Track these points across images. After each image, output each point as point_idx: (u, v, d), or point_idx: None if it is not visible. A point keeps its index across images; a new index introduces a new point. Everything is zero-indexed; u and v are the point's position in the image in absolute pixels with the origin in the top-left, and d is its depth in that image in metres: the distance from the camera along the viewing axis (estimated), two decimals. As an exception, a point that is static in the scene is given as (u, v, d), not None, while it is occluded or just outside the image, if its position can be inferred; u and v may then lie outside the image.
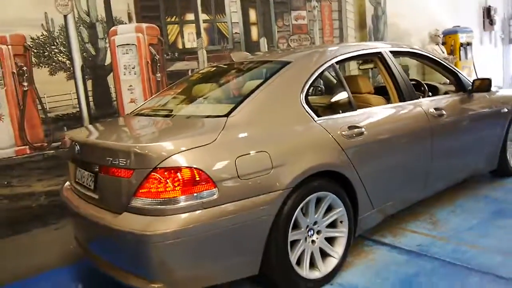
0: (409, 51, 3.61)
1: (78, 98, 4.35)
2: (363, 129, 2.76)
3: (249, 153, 2.24)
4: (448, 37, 7.91)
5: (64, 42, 4.26)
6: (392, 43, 3.57)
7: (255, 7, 5.65)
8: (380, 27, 7.15)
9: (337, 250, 2.65)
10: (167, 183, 2.05)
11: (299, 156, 2.41)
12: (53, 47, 4.20)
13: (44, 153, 4.19)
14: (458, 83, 3.81)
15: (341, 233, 2.67)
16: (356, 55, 3.14)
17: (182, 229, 2.03)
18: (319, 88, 3.62)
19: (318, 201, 2.54)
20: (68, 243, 3.43)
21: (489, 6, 9.14)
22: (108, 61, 4.54)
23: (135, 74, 4.69)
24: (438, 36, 7.72)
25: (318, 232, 2.58)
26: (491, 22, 9.22)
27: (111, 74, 4.56)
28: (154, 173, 2.06)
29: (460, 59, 7.86)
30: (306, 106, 2.59)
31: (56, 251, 3.48)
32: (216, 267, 2.20)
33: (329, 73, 2.94)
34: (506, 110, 4.03)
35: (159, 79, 4.85)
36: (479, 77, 3.85)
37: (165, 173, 2.05)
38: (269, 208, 2.26)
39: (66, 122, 4.28)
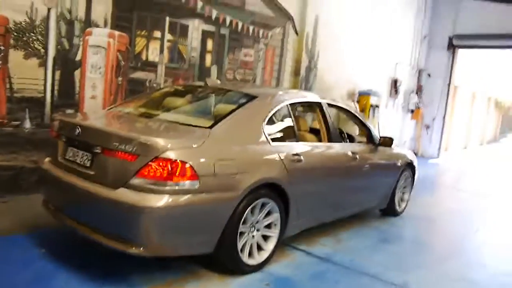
0: (341, 107, 4.61)
1: (45, 85, 4.68)
2: (302, 157, 3.60)
3: (224, 159, 2.95)
4: (362, 97, 9.33)
5: (43, 32, 4.60)
6: (330, 99, 4.50)
7: (213, 38, 6.40)
8: (310, 78, 8.29)
9: (269, 246, 3.40)
10: (163, 170, 2.67)
11: (257, 168, 3.17)
12: (32, 34, 4.53)
13: (3, 129, 4.43)
14: (369, 136, 4.87)
15: (274, 233, 3.44)
16: (305, 101, 4.05)
17: (168, 206, 2.66)
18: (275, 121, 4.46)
19: (262, 205, 3.29)
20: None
21: (397, 78, 10.90)
22: (78, 57, 4.93)
23: (100, 74, 5.13)
24: (355, 94, 9.10)
25: (258, 230, 3.32)
26: (396, 91, 10.97)
27: (79, 69, 4.96)
28: (155, 161, 2.67)
29: (368, 118, 9.29)
30: (266, 133, 3.37)
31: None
32: (186, 240, 2.84)
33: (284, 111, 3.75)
34: (399, 164, 5.19)
35: (119, 83, 5.33)
36: (384, 135, 4.95)
37: (163, 162, 2.67)
38: (231, 203, 2.97)
39: (29, 104, 4.57)
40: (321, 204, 4.02)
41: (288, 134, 3.69)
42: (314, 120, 5.82)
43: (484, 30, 10.94)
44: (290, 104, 3.78)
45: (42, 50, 4.62)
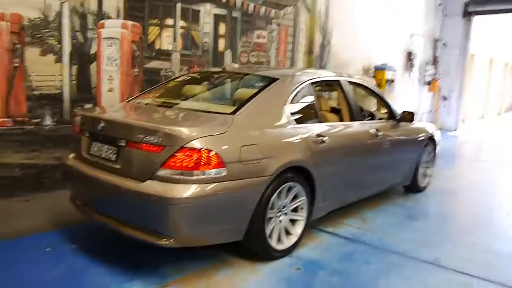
0: (360, 83, 4.53)
1: (63, 81, 4.69)
2: (325, 138, 3.56)
3: (249, 144, 2.93)
4: (378, 72, 9.18)
5: (57, 28, 4.59)
6: (349, 75, 4.44)
7: (225, 22, 6.32)
8: (324, 55, 8.17)
9: (297, 230, 3.40)
10: (190, 159, 2.66)
11: (282, 152, 3.15)
12: (46, 30, 4.52)
13: (24, 127, 4.47)
14: (390, 112, 4.79)
15: (301, 217, 3.43)
16: (324, 80, 3.99)
17: (195, 196, 2.66)
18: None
19: (288, 189, 3.27)
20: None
21: (410, 51, 10.67)
22: (93, 50, 4.92)
23: (116, 66, 5.12)
24: (370, 70, 8.96)
25: (285, 214, 3.31)
26: (411, 65, 10.76)
27: (95, 63, 4.95)
28: (180, 151, 2.66)
29: (384, 93, 9.15)
30: (288, 115, 3.34)
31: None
32: (215, 229, 2.85)
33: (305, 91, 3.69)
34: (421, 139, 5.11)
35: (136, 74, 5.31)
36: (403, 110, 4.86)
37: (189, 152, 2.66)
38: (258, 189, 2.96)
39: (48, 101, 4.60)
40: (346, 185, 3.99)
41: (310, 115, 3.64)
42: (330, 99, 5.77)
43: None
44: (310, 84, 3.73)
45: (58, 46, 4.62)
